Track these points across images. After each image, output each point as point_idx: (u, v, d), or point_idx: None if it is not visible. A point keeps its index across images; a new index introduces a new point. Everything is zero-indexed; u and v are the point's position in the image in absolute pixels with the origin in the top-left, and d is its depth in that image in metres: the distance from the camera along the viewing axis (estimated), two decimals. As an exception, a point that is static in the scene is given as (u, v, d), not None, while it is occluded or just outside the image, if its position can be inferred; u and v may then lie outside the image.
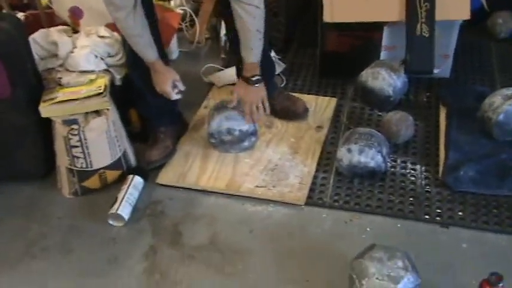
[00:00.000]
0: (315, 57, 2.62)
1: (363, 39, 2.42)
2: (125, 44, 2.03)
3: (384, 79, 2.25)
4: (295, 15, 2.82)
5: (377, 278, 1.50)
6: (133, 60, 2.01)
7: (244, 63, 1.99)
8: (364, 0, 2.24)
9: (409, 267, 1.53)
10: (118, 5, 1.77)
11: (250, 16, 1.83)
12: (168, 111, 2.18)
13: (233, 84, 2.47)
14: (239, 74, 2.12)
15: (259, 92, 2.05)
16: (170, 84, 2.01)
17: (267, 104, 2.08)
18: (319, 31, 2.46)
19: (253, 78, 2.01)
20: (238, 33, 1.91)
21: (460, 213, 1.88)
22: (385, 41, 2.39)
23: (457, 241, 1.79)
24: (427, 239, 1.81)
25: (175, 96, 2.04)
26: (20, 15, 2.45)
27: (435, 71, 2.30)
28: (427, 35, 2.23)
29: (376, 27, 2.35)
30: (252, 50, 1.93)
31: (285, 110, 2.30)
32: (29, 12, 2.50)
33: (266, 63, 2.29)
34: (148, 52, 1.93)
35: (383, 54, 2.42)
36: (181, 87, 2.05)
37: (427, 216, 1.88)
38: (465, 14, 2.24)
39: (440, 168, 2.03)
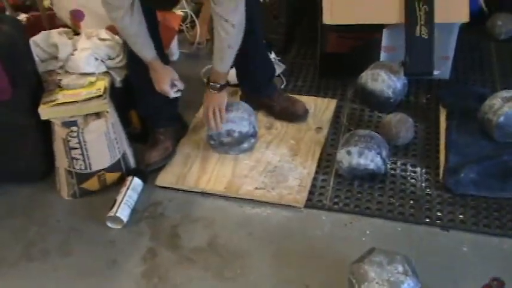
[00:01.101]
0: (315, 58, 2.61)
1: (362, 40, 2.42)
2: (125, 45, 2.03)
3: (384, 81, 2.25)
4: (295, 16, 2.81)
5: (377, 283, 1.49)
6: (132, 60, 2.02)
7: (212, 69, 2.02)
8: (363, 2, 2.24)
9: (409, 271, 1.52)
10: (114, 5, 1.79)
11: (223, 31, 1.85)
12: (168, 111, 2.18)
13: (233, 85, 2.48)
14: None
15: (216, 98, 2.06)
16: (169, 83, 2.02)
17: (222, 113, 2.07)
18: (319, 32, 2.46)
19: (212, 84, 2.03)
20: (214, 41, 1.93)
21: (461, 216, 1.87)
22: (384, 42, 2.38)
23: (458, 244, 1.79)
24: (427, 242, 1.80)
25: (173, 94, 2.05)
26: (22, 16, 2.46)
27: (435, 72, 2.30)
28: (426, 37, 2.23)
29: (376, 28, 2.34)
30: (221, 60, 1.96)
31: (285, 112, 2.29)
32: (30, 13, 2.51)
33: (265, 65, 2.29)
34: (146, 51, 1.93)
35: (383, 56, 2.42)
36: (180, 85, 2.06)
37: (427, 219, 1.87)
38: (464, 16, 2.24)
39: (441, 171, 2.03)
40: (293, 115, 2.29)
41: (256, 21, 2.05)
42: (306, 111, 2.32)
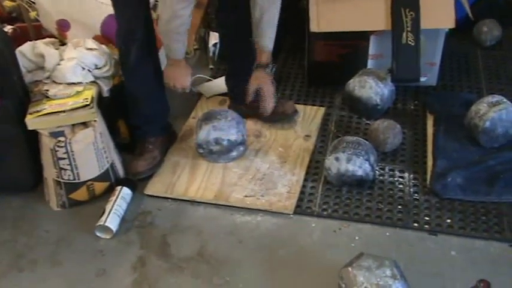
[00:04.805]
0: (303, 67, 2.63)
1: (349, 48, 2.44)
2: (128, 53, 2.01)
3: (371, 88, 2.26)
4: (282, 25, 2.82)
5: (366, 287, 1.50)
6: (136, 67, 2.04)
7: (261, 52, 2.05)
8: (349, 10, 2.26)
9: (398, 275, 1.53)
10: (191, 1, 1.82)
11: (272, 2, 1.93)
12: (160, 121, 2.19)
13: (221, 94, 2.49)
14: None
15: (272, 80, 2.13)
16: (190, 79, 2.09)
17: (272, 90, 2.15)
18: (306, 41, 2.47)
19: (270, 65, 2.10)
20: (257, 22, 1.98)
21: (449, 220, 1.89)
22: (371, 50, 2.41)
23: (446, 249, 1.80)
24: (415, 247, 1.81)
25: (193, 89, 2.16)
26: (8, 28, 2.45)
27: (422, 79, 2.32)
28: (412, 44, 2.25)
29: (363, 36, 2.37)
30: (270, 37, 2.02)
31: (274, 112, 2.28)
32: (17, 25, 2.50)
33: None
34: (183, 48, 1.98)
35: (370, 63, 2.44)
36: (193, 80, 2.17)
37: (415, 224, 1.88)
38: (450, 22, 2.26)
39: (428, 176, 2.04)
40: (283, 114, 2.30)
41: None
42: (295, 111, 2.33)
